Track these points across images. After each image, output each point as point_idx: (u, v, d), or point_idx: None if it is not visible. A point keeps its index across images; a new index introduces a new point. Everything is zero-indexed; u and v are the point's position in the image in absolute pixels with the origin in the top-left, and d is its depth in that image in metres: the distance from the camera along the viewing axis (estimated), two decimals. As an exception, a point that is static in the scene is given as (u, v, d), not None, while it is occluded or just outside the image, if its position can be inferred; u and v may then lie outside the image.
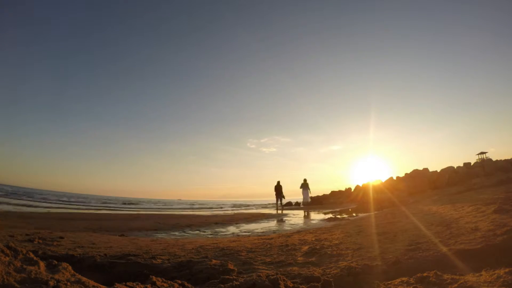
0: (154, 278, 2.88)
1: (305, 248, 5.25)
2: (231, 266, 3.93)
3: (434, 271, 2.78)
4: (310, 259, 4.38)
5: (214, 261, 4.19)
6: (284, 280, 2.99)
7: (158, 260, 4.32)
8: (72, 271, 2.51)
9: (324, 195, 41.41)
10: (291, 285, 2.97)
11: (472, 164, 33.85)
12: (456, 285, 2.38)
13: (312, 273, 3.50)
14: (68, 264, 2.59)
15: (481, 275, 2.60)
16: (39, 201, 29.78)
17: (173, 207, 41.14)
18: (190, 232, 12.10)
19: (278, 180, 27.55)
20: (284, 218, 19.15)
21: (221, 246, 6.28)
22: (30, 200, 29.50)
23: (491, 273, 2.55)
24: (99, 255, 4.53)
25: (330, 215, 19.28)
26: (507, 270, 2.48)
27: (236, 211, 33.07)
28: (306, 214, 23.61)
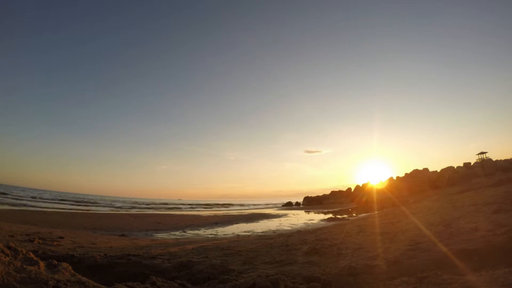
0: (154, 278, 2.89)
1: (305, 248, 5.26)
2: (231, 266, 3.93)
3: (434, 271, 2.79)
4: (310, 259, 4.39)
5: (214, 261, 4.19)
6: (284, 280, 2.99)
7: (158, 260, 4.32)
8: (72, 271, 2.51)
9: (324, 195, 41.39)
10: (291, 285, 2.97)
11: (472, 164, 33.92)
12: (456, 285, 2.37)
13: (312, 273, 3.50)
14: (68, 264, 2.59)
15: (481, 275, 2.60)
16: (38, 201, 29.82)
17: (173, 207, 41.16)
18: (190, 232, 12.11)
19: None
20: (284, 218, 19.14)
21: (221, 246, 6.29)
22: (29, 200, 29.53)
23: (491, 273, 2.54)
24: (99, 255, 4.53)
25: (330, 215, 19.27)
26: (507, 270, 2.48)
27: (236, 211, 33.07)
28: (306, 214, 23.59)
